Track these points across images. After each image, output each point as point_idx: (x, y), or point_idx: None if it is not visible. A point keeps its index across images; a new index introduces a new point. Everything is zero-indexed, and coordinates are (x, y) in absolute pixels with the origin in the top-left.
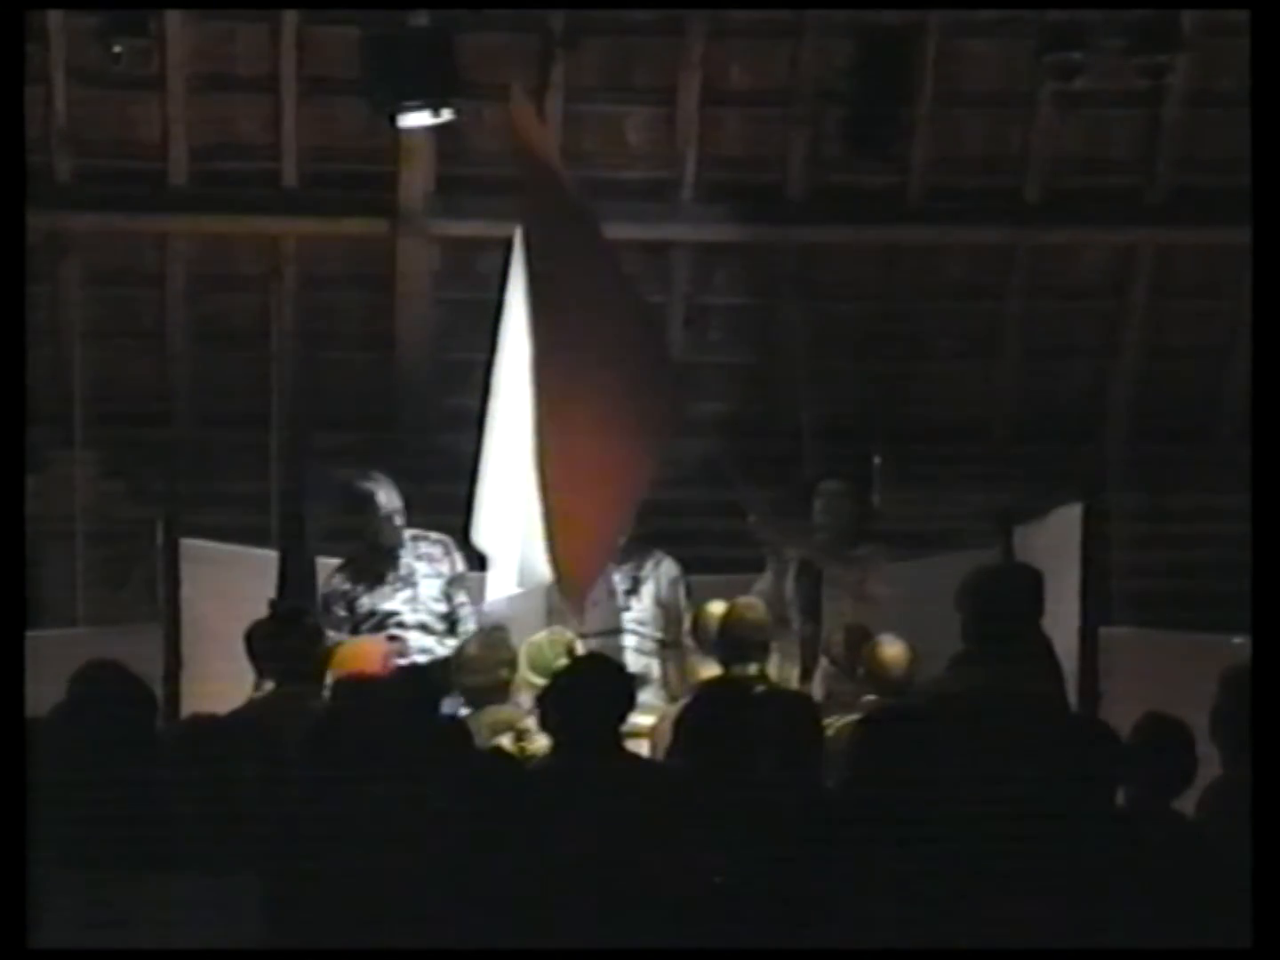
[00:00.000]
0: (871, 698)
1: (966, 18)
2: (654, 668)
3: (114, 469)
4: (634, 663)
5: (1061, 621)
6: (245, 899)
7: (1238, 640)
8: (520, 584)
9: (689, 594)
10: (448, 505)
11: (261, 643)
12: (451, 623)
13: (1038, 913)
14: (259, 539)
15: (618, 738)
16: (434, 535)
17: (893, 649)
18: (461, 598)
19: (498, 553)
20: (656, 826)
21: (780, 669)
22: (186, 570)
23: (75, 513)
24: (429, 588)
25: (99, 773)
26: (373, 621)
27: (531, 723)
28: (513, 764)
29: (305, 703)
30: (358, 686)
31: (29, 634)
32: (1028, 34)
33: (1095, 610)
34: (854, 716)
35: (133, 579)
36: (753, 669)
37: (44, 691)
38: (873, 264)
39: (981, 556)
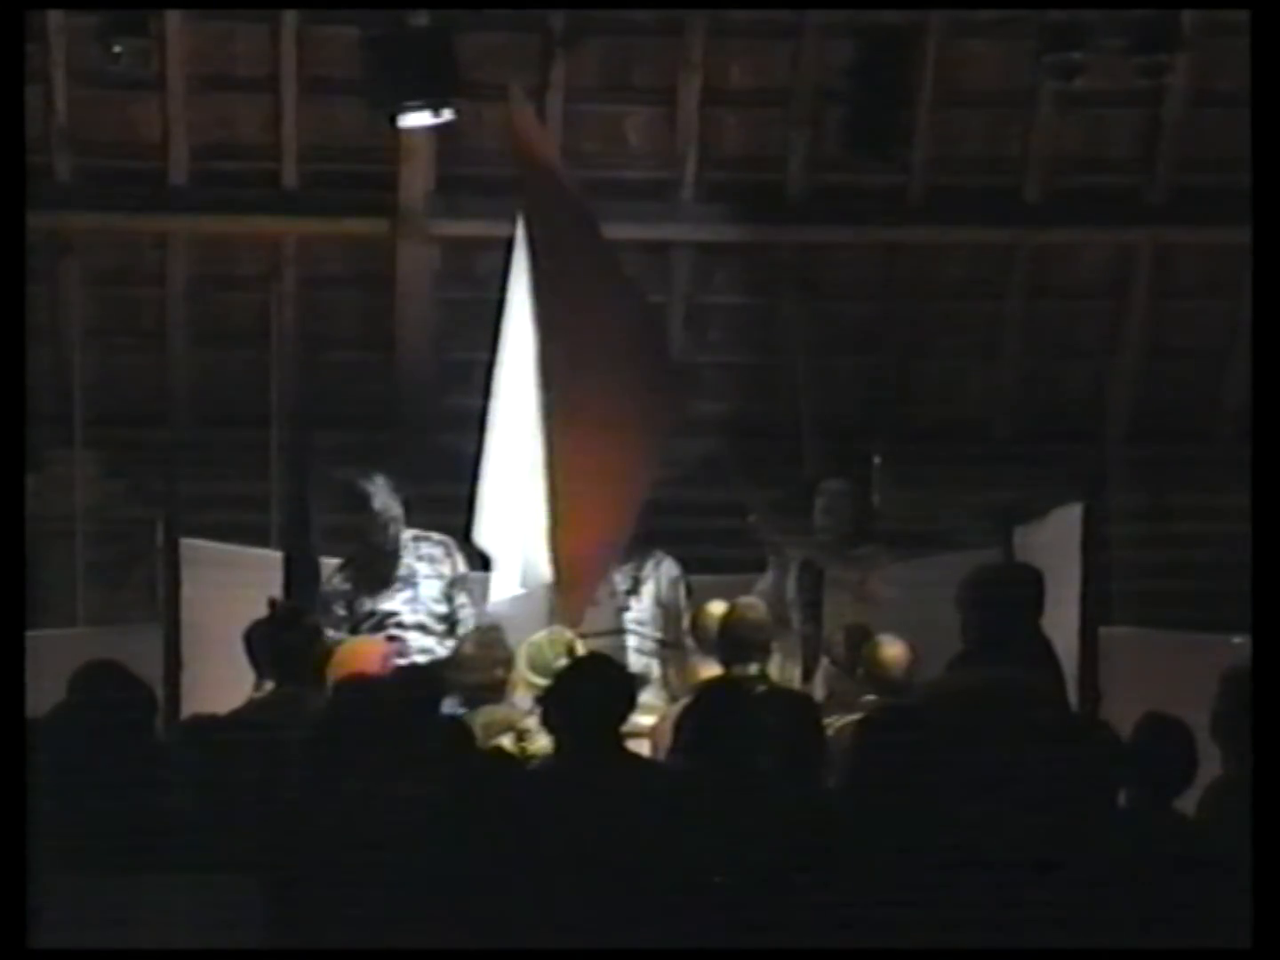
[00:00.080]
0: (871, 698)
1: (966, 18)
2: (654, 668)
3: (114, 469)
4: (634, 663)
5: (1061, 621)
6: (245, 899)
7: (1238, 640)
8: (524, 584)
9: (689, 594)
10: (448, 505)
11: (261, 643)
12: (451, 624)
13: (1038, 912)
14: (259, 539)
15: (619, 738)
16: (436, 536)
17: (893, 649)
18: (462, 599)
19: (500, 553)
20: (657, 826)
21: (782, 669)
22: (186, 570)
23: (75, 513)
24: (429, 588)
25: (99, 773)
26: (372, 621)
27: (531, 722)
28: (513, 764)
29: (305, 703)
30: (357, 686)
31: (29, 634)
32: (1028, 34)
33: (1095, 610)
34: (854, 716)
35: (133, 579)
36: (753, 669)
37: (44, 691)
38: (873, 264)
39: (981, 556)
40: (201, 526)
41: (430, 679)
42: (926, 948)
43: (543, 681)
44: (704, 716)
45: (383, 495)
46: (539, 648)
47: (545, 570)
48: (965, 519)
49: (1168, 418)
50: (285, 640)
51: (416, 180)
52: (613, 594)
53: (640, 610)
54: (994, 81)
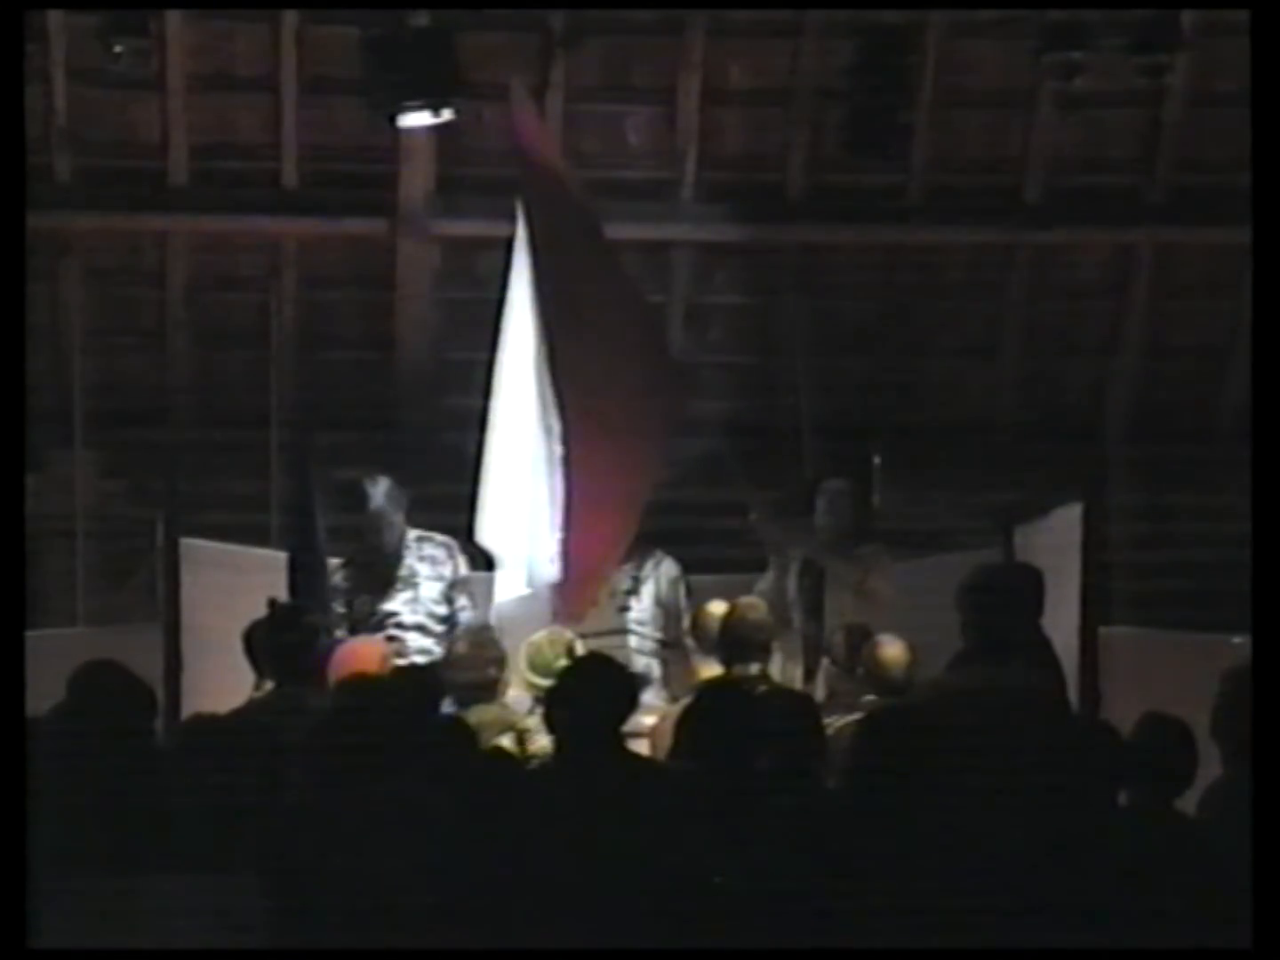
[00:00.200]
0: (871, 697)
1: (966, 18)
2: (654, 668)
3: (114, 469)
4: (634, 663)
5: (1061, 621)
6: (245, 899)
7: (1238, 640)
8: (529, 584)
9: (689, 594)
10: (448, 505)
11: (260, 642)
12: (451, 625)
13: (1038, 912)
14: (259, 539)
15: (619, 738)
16: (439, 537)
17: (892, 649)
18: (463, 601)
19: (504, 553)
20: (657, 826)
21: (783, 668)
22: (186, 570)
23: (75, 513)
24: (430, 589)
25: (99, 773)
26: (372, 622)
27: (531, 722)
28: (513, 764)
29: (305, 703)
30: (357, 687)
31: (29, 634)
32: (1028, 34)
33: (1095, 610)
34: (854, 716)
35: (133, 579)
36: (754, 669)
37: (44, 691)
38: (873, 264)
39: (981, 556)
40: (201, 526)
41: (429, 679)
42: (926, 948)
43: (543, 681)
44: (704, 716)
45: (383, 496)
46: (539, 648)
47: (550, 570)
48: (965, 519)
49: (1168, 418)
50: (285, 640)
51: (416, 180)
52: (613, 594)
53: (640, 610)
54: (994, 81)
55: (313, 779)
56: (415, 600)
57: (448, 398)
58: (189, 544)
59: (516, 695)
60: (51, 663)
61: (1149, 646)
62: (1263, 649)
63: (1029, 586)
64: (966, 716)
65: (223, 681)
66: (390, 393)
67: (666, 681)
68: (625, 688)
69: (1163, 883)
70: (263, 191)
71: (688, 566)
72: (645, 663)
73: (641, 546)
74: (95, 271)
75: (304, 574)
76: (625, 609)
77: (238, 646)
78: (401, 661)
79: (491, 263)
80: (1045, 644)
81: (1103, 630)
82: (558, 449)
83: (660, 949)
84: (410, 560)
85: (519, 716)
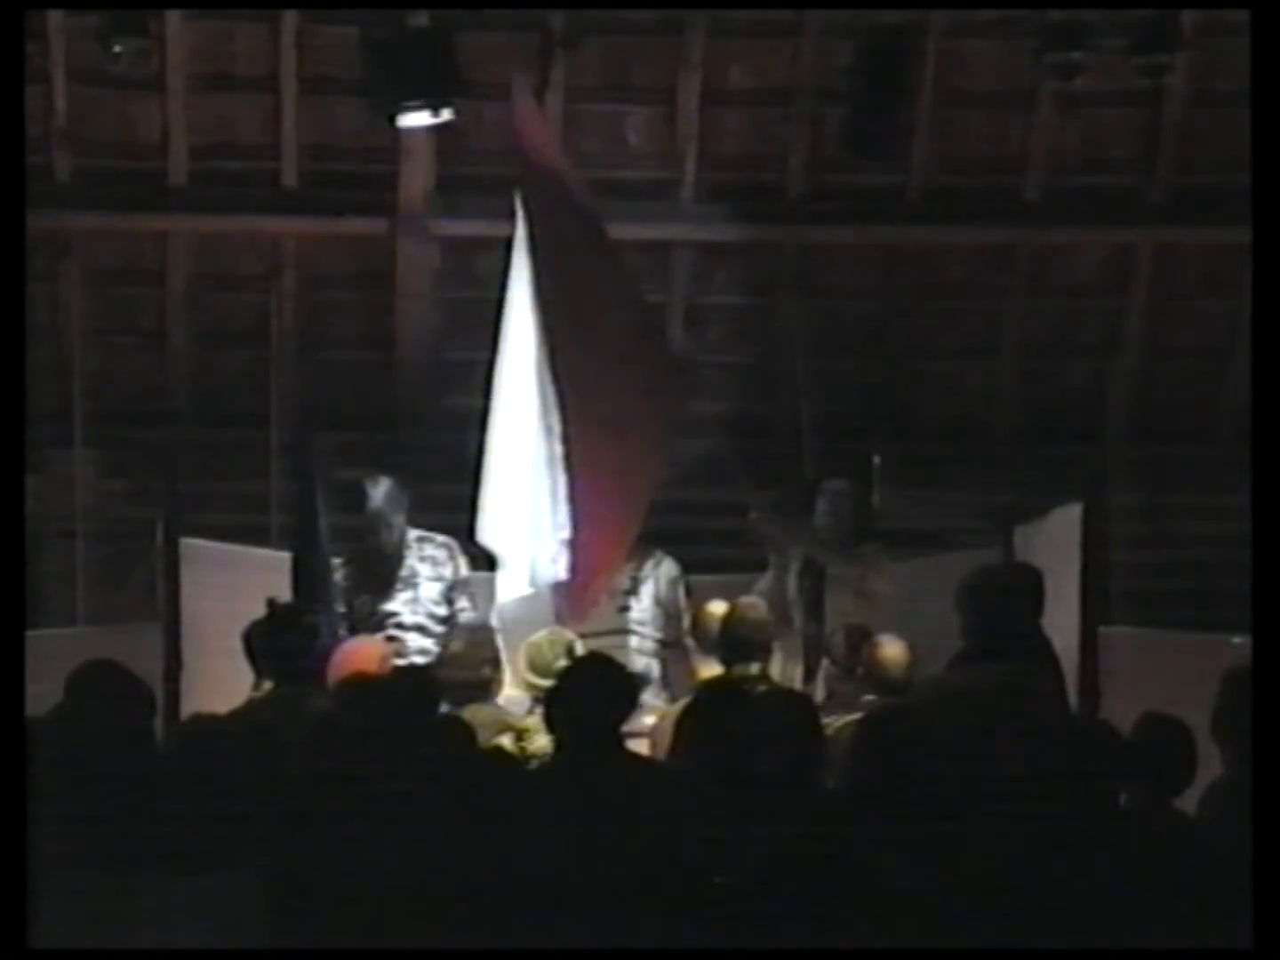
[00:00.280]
0: (871, 698)
1: (966, 18)
2: (654, 668)
3: (114, 469)
4: (634, 663)
5: (1061, 621)
6: (245, 899)
7: (1238, 640)
8: (532, 584)
9: (689, 594)
10: (448, 505)
11: (259, 642)
12: (451, 626)
13: (1038, 912)
14: (259, 539)
15: (619, 738)
16: (439, 538)
17: (892, 649)
18: (463, 602)
19: (506, 553)
20: (657, 826)
21: (783, 668)
22: (186, 570)
23: (75, 513)
24: (430, 590)
25: (99, 773)
26: (372, 622)
27: (531, 722)
28: (513, 764)
29: (304, 703)
30: (357, 687)
31: (29, 634)
32: (1028, 34)
33: (1095, 610)
34: (854, 716)
35: (133, 579)
36: (754, 669)
37: (44, 691)
38: (873, 264)
39: (981, 556)
40: (201, 526)
41: (429, 680)
42: (926, 948)
43: (542, 682)
44: (704, 716)
45: (383, 497)
46: (539, 648)
47: (553, 570)
48: (965, 519)
49: (1168, 418)
50: (285, 640)
51: (416, 180)
52: (612, 594)
53: (640, 610)
54: (994, 81)
55: (313, 779)
56: (415, 601)
57: (448, 398)
58: (189, 544)
59: (516, 695)
60: (51, 663)
61: (1149, 646)
62: (1263, 649)
63: (1029, 586)
64: (966, 716)
65: (223, 681)
66: (390, 393)
67: (666, 681)
68: (625, 688)
69: (1163, 883)
70: (263, 191)
71: (688, 566)
72: (645, 663)
73: (641, 546)
74: (95, 271)
75: (308, 574)
76: (625, 609)
77: (238, 647)
78: (401, 661)
79: (491, 263)
80: (1045, 644)
81: (1102, 630)
82: (558, 449)
83: (660, 949)
84: (411, 561)
85: (513, 716)
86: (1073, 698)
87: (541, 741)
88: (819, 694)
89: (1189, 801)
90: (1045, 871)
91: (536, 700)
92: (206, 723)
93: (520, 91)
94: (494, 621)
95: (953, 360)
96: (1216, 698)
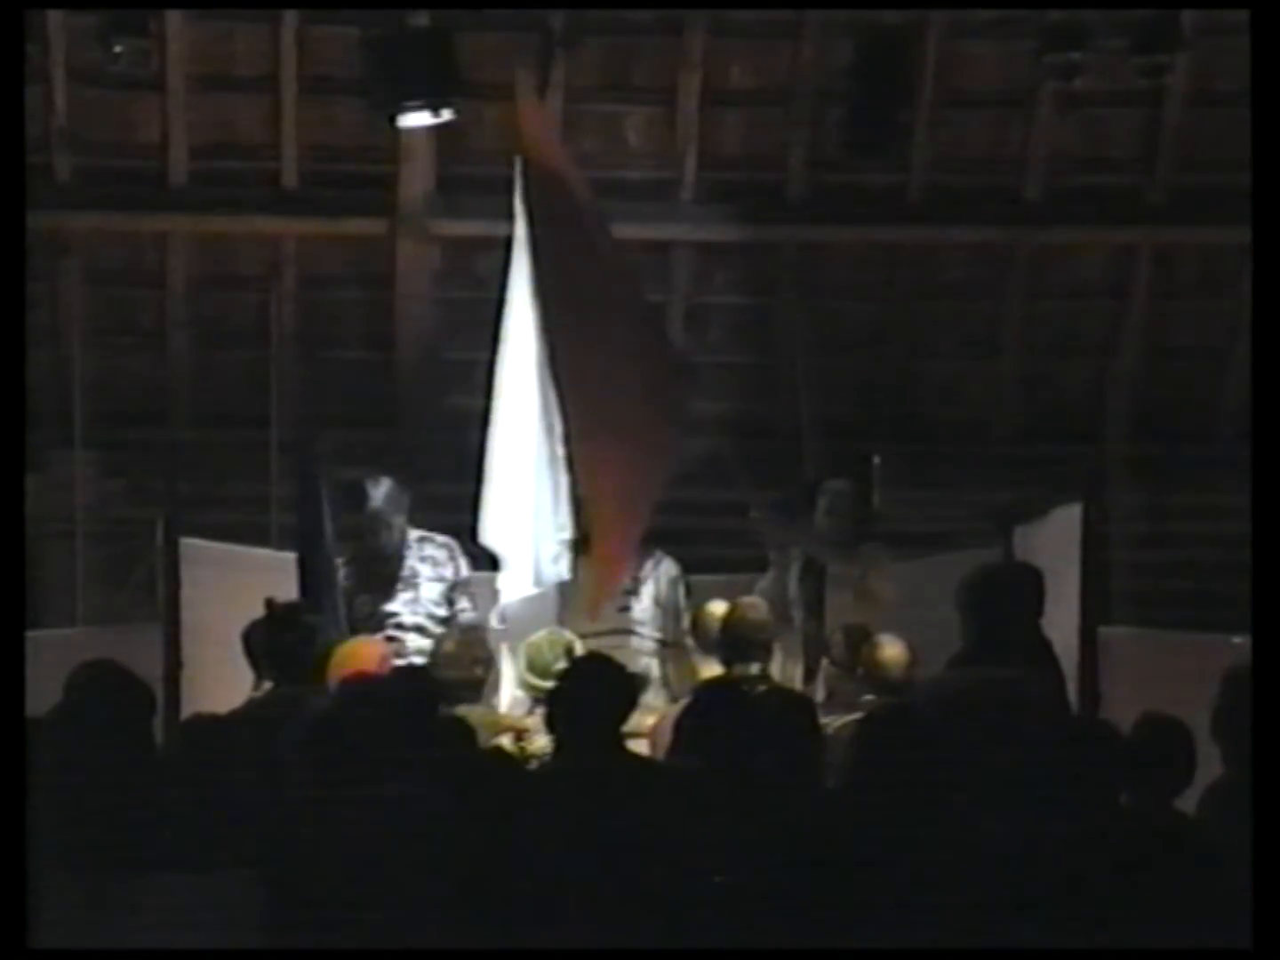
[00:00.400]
0: (871, 698)
1: (966, 18)
2: (654, 668)
3: (114, 469)
4: (634, 663)
5: (1061, 621)
6: (245, 899)
7: (1237, 640)
8: (536, 584)
9: (689, 594)
10: (449, 505)
11: (259, 642)
12: (451, 627)
13: (1038, 912)
14: (259, 539)
15: (619, 738)
16: (440, 538)
17: (892, 649)
18: (463, 603)
19: (509, 553)
20: (657, 826)
21: (783, 668)
22: (186, 570)
23: (75, 513)
24: (430, 591)
25: (99, 773)
26: (372, 622)
27: (531, 722)
28: (513, 764)
29: (304, 703)
30: (356, 687)
31: (29, 634)
32: (1028, 34)
33: (1095, 610)
34: (854, 716)
35: (133, 579)
36: (754, 669)
37: (44, 691)
38: (873, 264)
39: (981, 556)
40: (201, 526)
41: (429, 680)
42: (926, 947)
43: (542, 682)
44: (704, 716)
45: (384, 497)
46: (538, 648)
47: (559, 570)
48: (965, 519)
49: (1168, 418)
50: (284, 640)
51: (416, 180)
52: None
53: (640, 610)
54: (994, 81)
55: (312, 779)
56: (415, 601)
57: (448, 398)
58: (189, 544)
59: (516, 695)
60: (51, 663)
61: (1149, 646)
62: (1263, 649)
63: (1029, 586)
64: (966, 716)
65: (222, 681)
66: (390, 393)
67: (666, 681)
68: (625, 688)
69: (1163, 883)
70: (262, 191)
71: (688, 566)
72: (645, 663)
73: (642, 546)
74: (95, 271)
75: (313, 575)
76: (625, 609)
77: (238, 646)
78: (401, 661)
79: (491, 263)
80: (1045, 644)
81: (1102, 630)
82: (560, 449)
83: (660, 949)
84: (411, 561)
85: (505, 716)
86: (1073, 698)
87: (541, 741)
88: (819, 694)
89: (1189, 801)
90: (1045, 871)
91: (536, 700)
92: (206, 722)
93: (523, 87)
94: (495, 622)
95: (953, 360)
96: (1216, 698)
